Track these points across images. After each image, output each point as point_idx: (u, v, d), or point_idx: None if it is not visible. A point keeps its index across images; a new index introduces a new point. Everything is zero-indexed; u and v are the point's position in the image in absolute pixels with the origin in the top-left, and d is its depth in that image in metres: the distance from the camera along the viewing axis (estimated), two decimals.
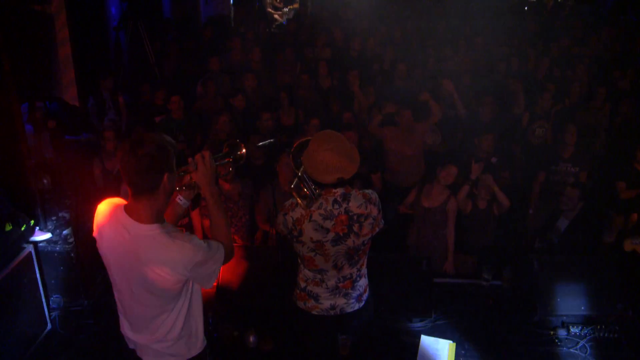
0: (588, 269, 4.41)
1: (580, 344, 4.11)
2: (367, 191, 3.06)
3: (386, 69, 8.29)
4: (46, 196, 4.79)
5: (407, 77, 7.72)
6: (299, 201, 2.93)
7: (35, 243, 4.39)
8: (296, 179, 2.97)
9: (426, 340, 3.97)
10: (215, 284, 4.29)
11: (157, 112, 7.06)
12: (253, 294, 4.41)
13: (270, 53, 8.88)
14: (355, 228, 2.97)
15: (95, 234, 2.55)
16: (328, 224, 2.94)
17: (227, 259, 2.59)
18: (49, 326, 4.39)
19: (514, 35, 10.25)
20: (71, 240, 4.55)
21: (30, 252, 4.23)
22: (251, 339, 3.96)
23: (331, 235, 2.96)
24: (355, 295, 3.19)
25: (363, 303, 3.25)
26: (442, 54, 8.92)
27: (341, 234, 2.96)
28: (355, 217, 2.96)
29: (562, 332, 4.19)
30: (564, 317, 4.27)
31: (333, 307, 3.16)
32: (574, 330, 4.20)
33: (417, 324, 4.26)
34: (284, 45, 9.18)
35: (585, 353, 4.04)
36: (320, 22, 10.71)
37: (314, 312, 3.18)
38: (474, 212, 5.36)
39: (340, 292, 3.14)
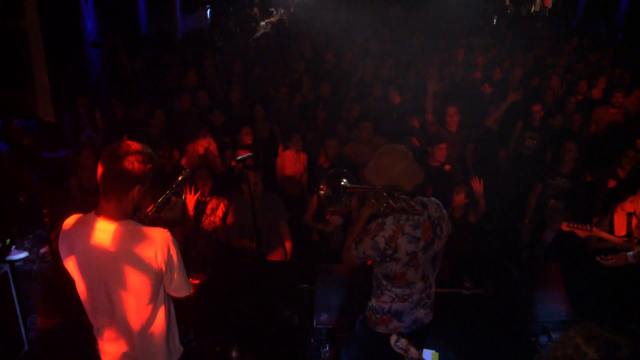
0: (567, 275, 4.45)
1: None
2: (431, 197, 3.16)
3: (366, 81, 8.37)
4: (23, 214, 4.72)
5: (383, 95, 7.81)
6: (408, 207, 2.92)
7: (12, 262, 4.31)
8: (384, 200, 2.94)
9: None
10: (195, 299, 4.29)
11: (136, 127, 7.00)
12: (235, 308, 4.37)
13: (249, 66, 8.91)
14: (438, 231, 3.06)
15: (60, 247, 2.56)
16: (418, 232, 2.98)
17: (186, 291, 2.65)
18: (26, 347, 4.29)
19: (489, 46, 10.44)
20: (48, 258, 4.47)
21: (6, 272, 4.15)
22: (233, 354, 3.92)
23: (422, 243, 3.01)
24: (430, 303, 3.25)
25: (433, 313, 3.30)
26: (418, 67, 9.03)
27: (429, 240, 3.02)
28: (436, 221, 3.05)
29: (543, 339, 4.22)
30: (545, 324, 4.29)
31: (415, 322, 3.18)
32: (555, 336, 4.22)
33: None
34: (264, 59, 9.22)
35: None
36: (296, 36, 10.81)
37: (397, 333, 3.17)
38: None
39: (421, 303, 3.18)
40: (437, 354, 3.95)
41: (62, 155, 6.93)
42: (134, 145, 2.41)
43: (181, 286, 2.58)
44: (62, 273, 4.46)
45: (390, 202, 2.91)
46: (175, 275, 2.52)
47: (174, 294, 2.63)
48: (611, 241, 4.50)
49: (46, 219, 4.76)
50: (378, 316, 3.19)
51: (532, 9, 18.63)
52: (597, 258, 4.34)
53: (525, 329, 4.30)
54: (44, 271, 4.47)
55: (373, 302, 3.22)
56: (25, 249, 4.48)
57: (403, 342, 2.75)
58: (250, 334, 4.15)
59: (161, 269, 2.46)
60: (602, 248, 5.26)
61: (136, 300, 2.51)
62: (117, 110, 7.48)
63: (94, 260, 2.47)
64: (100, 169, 2.39)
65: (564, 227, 4.49)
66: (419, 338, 3.25)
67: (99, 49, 9.46)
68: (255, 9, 16.83)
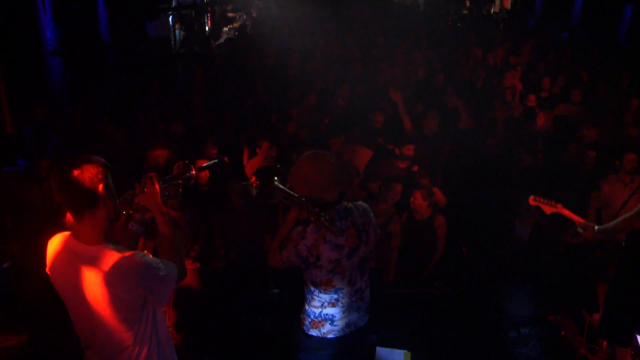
0: (534, 271, 4.54)
1: (530, 344, 4.22)
2: (358, 202, 3.12)
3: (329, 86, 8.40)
4: None
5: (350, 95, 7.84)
6: (326, 224, 2.83)
7: None
8: (301, 209, 2.89)
9: (381, 352, 3.99)
10: (167, 308, 4.23)
11: (98, 138, 6.88)
12: (209, 317, 4.33)
13: (212, 73, 8.86)
14: (364, 237, 3.03)
15: (47, 269, 2.47)
16: (341, 240, 2.96)
17: (180, 279, 2.54)
18: None
19: (452, 47, 10.60)
20: (11, 274, 4.36)
21: None
22: None
23: (346, 250, 2.97)
24: (364, 306, 3.21)
25: (369, 315, 3.27)
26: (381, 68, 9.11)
27: (353, 246, 3.00)
28: (361, 227, 3.03)
29: (513, 334, 4.29)
30: (514, 319, 4.36)
31: (348, 325, 3.15)
32: (524, 330, 4.31)
33: (372, 336, 4.27)
34: (225, 65, 9.18)
35: (536, 352, 4.16)
36: (259, 41, 10.81)
37: (330, 336, 3.14)
38: (412, 225, 5.40)
39: (353, 307, 3.15)
40: (409, 353, 3.99)
41: (23, 167, 6.76)
42: (81, 158, 2.31)
43: (157, 301, 2.47)
44: (28, 288, 4.37)
45: (310, 212, 2.85)
46: (152, 294, 2.40)
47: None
48: (574, 220, 4.43)
49: (8, 233, 4.64)
50: (310, 320, 3.17)
51: (492, 10, 19.01)
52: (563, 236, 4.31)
53: (495, 325, 4.37)
54: (6, 287, 4.34)
55: (305, 306, 3.19)
56: None
57: None
58: (223, 341, 4.12)
59: (138, 294, 2.36)
60: (576, 244, 5.39)
61: (118, 326, 2.41)
62: (77, 119, 7.32)
63: (72, 287, 2.39)
64: (58, 194, 2.28)
65: (531, 201, 4.43)
66: (356, 341, 3.21)
67: (59, 58, 9.27)
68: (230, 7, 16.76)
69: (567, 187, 5.95)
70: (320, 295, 3.10)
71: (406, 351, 3.99)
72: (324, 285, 3.06)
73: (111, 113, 7.31)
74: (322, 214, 2.82)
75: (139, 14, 12.24)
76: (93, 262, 2.33)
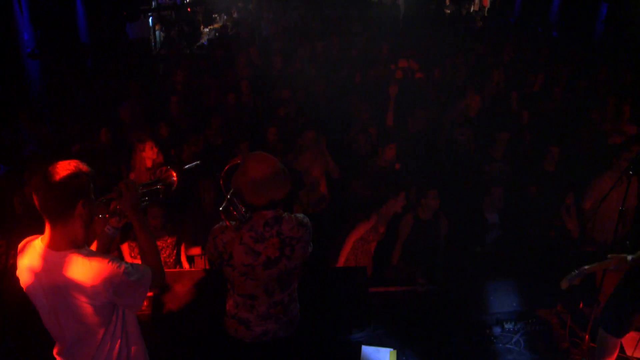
0: (517, 266, 4.58)
1: (514, 339, 4.26)
2: (299, 215, 3.01)
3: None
4: None
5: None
6: (228, 223, 2.84)
7: None
8: (225, 202, 2.85)
9: (367, 350, 4.00)
10: (148, 311, 4.21)
11: (77, 141, 6.80)
12: (190, 320, 4.30)
13: (193, 74, 8.80)
14: (287, 251, 2.91)
15: (17, 272, 2.46)
16: (259, 247, 2.86)
17: (156, 284, 2.55)
18: None
19: (433, 46, 10.67)
20: None
21: None
22: None
23: (262, 258, 2.88)
24: (286, 320, 3.11)
25: (295, 327, 3.18)
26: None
27: (272, 258, 2.89)
28: (287, 240, 2.90)
29: (497, 330, 4.33)
30: (498, 315, 4.41)
31: (265, 333, 3.07)
32: (507, 326, 4.35)
33: (357, 335, 4.28)
34: (207, 66, 9.14)
35: (520, 347, 4.21)
36: (241, 42, 10.78)
37: (247, 341, 3.09)
38: (417, 224, 5.34)
39: (271, 317, 3.05)
40: (394, 351, 4.00)
41: (3, 172, 6.67)
42: (60, 162, 2.30)
43: (130, 306, 2.51)
44: (6, 296, 4.31)
45: (231, 208, 2.82)
46: (122, 299, 2.42)
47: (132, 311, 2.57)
48: (603, 267, 4.07)
49: None
50: (228, 319, 3.13)
51: (472, 9, 19.16)
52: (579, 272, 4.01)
53: (479, 321, 4.40)
54: None
55: (226, 304, 3.15)
56: None
57: None
58: (206, 346, 4.10)
59: (106, 299, 2.35)
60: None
61: (86, 328, 2.42)
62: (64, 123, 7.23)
63: (40, 290, 2.39)
64: (37, 199, 2.27)
65: (563, 285, 4.03)
66: (277, 350, 3.15)
67: (38, 61, 9.16)
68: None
69: (535, 182, 6.02)
70: (236, 295, 3.05)
71: (392, 349, 4.01)
72: (238, 287, 3.00)
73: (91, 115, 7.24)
74: (235, 212, 2.81)
75: (118, 16, 12.14)
76: (60, 268, 2.32)
